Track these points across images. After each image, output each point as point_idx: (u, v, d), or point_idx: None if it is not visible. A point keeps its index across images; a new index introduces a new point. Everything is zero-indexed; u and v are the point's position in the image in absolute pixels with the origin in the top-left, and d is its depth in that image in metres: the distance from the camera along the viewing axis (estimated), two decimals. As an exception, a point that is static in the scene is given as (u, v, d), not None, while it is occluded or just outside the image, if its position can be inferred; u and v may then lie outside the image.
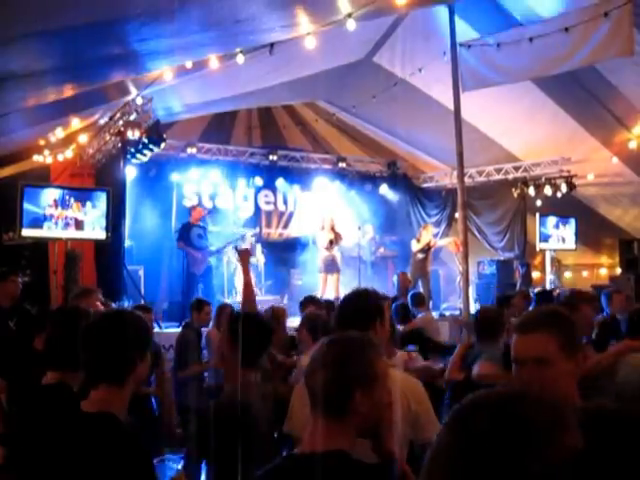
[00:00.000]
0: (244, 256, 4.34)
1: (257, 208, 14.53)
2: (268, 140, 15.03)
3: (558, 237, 13.87)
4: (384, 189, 15.55)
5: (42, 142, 10.72)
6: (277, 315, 5.71)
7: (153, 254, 11.93)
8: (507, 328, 4.50)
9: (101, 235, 10.02)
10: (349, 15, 7.32)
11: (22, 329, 5.38)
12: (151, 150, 10.78)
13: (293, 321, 7.47)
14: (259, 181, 14.35)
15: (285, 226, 14.92)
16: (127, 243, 11.15)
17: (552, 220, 13.81)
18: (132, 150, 10.71)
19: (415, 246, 12.61)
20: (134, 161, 11.15)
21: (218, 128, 14.24)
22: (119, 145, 10.86)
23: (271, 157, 14.19)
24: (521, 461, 0.90)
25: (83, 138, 11.13)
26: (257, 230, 14.17)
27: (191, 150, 13.21)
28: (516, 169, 13.63)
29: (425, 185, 15.98)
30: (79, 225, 9.78)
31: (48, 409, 2.51)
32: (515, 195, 13.69)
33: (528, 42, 8.17)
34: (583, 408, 1.01)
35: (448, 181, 14.86)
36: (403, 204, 15.90)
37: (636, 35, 7.30)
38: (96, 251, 11.13)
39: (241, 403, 2.84)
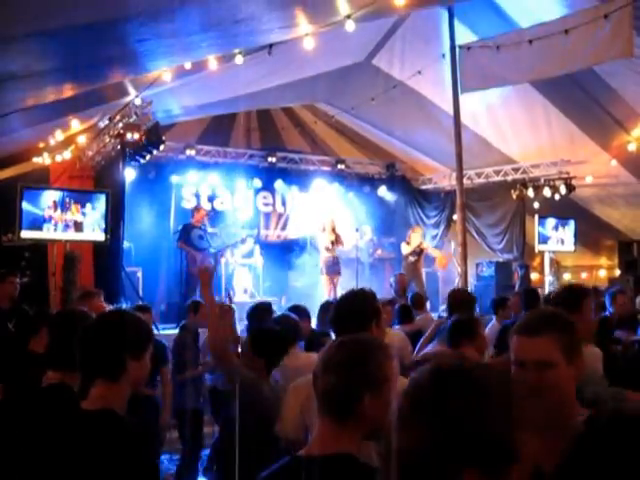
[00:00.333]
0: (204, 276, 3.99)
1: (256, 210, 14.52)
2: (267, 142, 15.03)
3: (557, 239, 13.88)
4: (383, 191, 15.54)
5: (42, 144, 10.71)
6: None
7: (152, 256, 11.92)
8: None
9: (100, 237, 10.03)
10: (348, 16, 7.33)
11: (21, 330, 5.36)
12: (150, 152, 10.78)
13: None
14: (258, 183, 14.33)
15: (283, 228, 14.91)
16: (126, 245, 11.14)
17: (551, 222, 13.81)
18: (131, 152, 10.71)
19: (405, 249, 12.62)
20: (133, 163, 11.15)
21: (217, 130, 14.24)
22: (118, 147, 10.85)
23: (270, 159, 14.18)
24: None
25: (82, 140, 11.12)
26: (256, 232, 14.17)
27: (190, 152, 13.20)
28: (515, 171, 13.63)
29: (424, 187, 15.98)
30: (78, 227, 9.78)
31: (49, 409, 2.51)
32: (514, 197, 13.68)
33: (527, 44, 8.18)
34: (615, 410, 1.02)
35: (447, 183, 14.86)
36: (402, 206, 15.90)
37: (635, 38, 7.30)
38: (95, 253, 11.12)
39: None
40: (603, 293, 8.99)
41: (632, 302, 6.59)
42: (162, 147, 10.88)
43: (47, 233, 9.55)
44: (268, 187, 14.59)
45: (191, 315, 6.88)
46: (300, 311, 5.42)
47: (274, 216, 14.89)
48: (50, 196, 9.68)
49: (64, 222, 9.66)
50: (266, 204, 14.74)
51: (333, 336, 2.97)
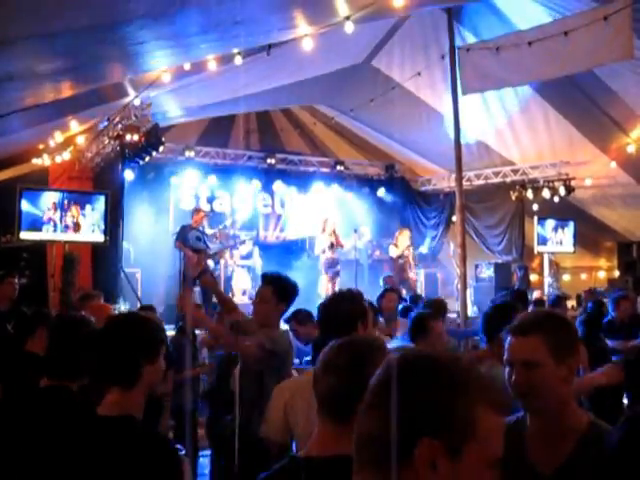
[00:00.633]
0: (199, 259, 4.10)
1: (255, 211, 14.52)
2: (266, 143, 15.03)
3: (556, 240, 13.89)
4: (382, 192, 15.54)
5: (41, 145, 10.71)
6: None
7: (150, 257, 11.89)
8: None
9: (99, 238, 10.02)
10: (347, 18, 7.33)
11: (20, 332, 5.35)
12: (149, 153, 10.78)
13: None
14: (257, 184, 14.34)
15: (283, 229, 14.91)
16: (125, 246, 11.14)
17: (550, 223, 13.82)
18: (130, 153, 10.71)
19: (394, 251, 12.63)
20: (132, 164, 11.15)
21: (216, 131, 14.24)
22: (118, 148, 10.86)
23: (269, 160, 14.18)
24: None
25: (82, 141, 11.12)
26: (255, 233, 14.16)
27: (189, 153, 13.19)
28: (514, 172, 13.63)
29: (423, 188, 15.98)
30: (78, 228, 9.78)
31: (51, 410, 2.50)
32: (513, 198, 13.69)
33: (527, 46, 8.16)
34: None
35: (446, 184, 14.87)
36: (401, 207, 15.90)
37: (635, 40, 7.30)
38: (93, 254, 11.12)
39: None
40: (602, 294, 9.04)
41: (634, 304, 6.59)
42: (161, 148, 10.89)
43: (46, 234, 9.55)
44: (267, 188, 14.59)
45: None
46: (303, 316, 5.38)
47: (273, 217, 14.88)
48: (50, 197, 9.68)
49: (64, 223, 9.67)
50: (265, 205, 14.74)
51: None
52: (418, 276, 13.92)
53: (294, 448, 2.64)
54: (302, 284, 13.30)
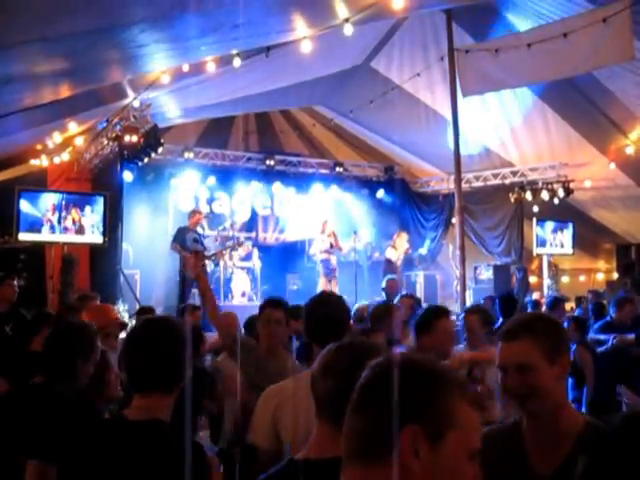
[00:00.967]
0: (196, 260, 4.11)
1: (254, 213, 14.52)
2: (265, 145, 15.03)
3: (555, 242, 13.89)
4: (381, 194, 15.54)
5: (39, 146, 10.70)
6: None
7: (150, 258, 11.89)
8: None
9: (98, 239, 10.02)
10: (346, 20, 7.33)
11: (18, 334, 5.35)
12: (148, 155, 10.77)
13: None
14: (256, 186, 14.34)
15: (282, 231, 14.91)
16: (124, 247, 11.12)
17: (549, 225, 13.82)
18: (129, 154, 10.70)
19: (393, 254, 12.63)
20: (131, 165, 11.14)
21: (215, 133, 14.24)
22: (116, 150, 10.85)
23: (268, 162, 14.17)
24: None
25: (80, 142, 11.11)
26: (254, 235, 14.16)
27: (188, 155, 13.19)
28: (513, 174, 13.64)
29: (422, 190, 15.99)
30: (80, 230, 9.79)
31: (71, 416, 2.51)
32: (512, 200, 13.69)
33: (526, 48, 8.17)
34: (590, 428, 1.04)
35: (445, 186, 14.87)
36: (400, 209, 15.90)
37: (635, 42, 7.30)
38: (92, 255, 11.11)
39: None
40: (602, 296, 9.00)
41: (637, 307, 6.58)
42: (160, 150, 10.87)
43: (45, 235, 9.54)
44: (266, 190, 14.59)
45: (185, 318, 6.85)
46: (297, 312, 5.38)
47: (272, 219, 14.88)
48: (49, 199, 9.67)
49: (62, 225, 9.66)
50: (264, 207, 14.73)
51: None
52: (417, 278, 13.94)
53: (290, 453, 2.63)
54: (301, 286, 13.33)
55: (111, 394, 3.04)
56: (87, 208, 9.92)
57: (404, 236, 12.99)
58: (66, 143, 10.83)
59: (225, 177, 13.85)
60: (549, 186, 13.05)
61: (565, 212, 13.68)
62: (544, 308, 9.23)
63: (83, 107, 9.05)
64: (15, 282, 6.82)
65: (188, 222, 11.18)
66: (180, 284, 10.82)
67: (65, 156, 11.17)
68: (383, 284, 8.22)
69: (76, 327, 3.09)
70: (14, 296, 6.61)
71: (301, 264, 13.41)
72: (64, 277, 9.50)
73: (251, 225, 14.38)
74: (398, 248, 12.66)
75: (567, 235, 13.96)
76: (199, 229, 11.54)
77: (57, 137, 10.32)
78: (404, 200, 15.93)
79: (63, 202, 9.75)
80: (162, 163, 12.84)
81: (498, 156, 13.35)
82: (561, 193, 12.87)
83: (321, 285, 12.03)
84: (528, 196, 13.36)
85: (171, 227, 12.53)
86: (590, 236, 14.40)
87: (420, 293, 12.77)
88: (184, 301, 9.51)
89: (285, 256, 13.82)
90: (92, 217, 9.92)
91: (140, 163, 11.10)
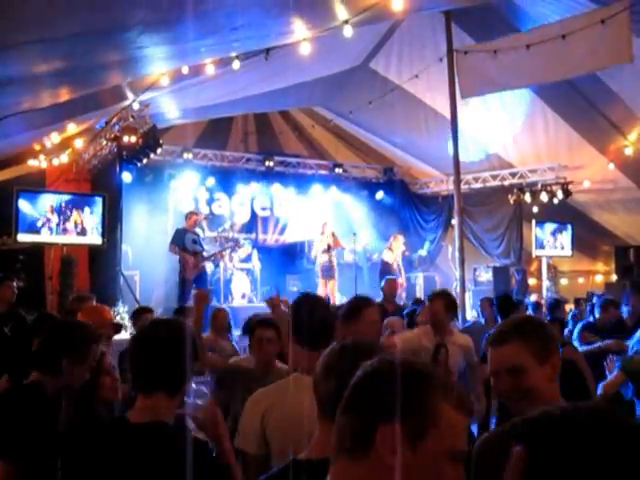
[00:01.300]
0: (200, 298, 4.15)
1: (253, 214, 14.51)
2: (264, 146, 15.02)
3: (554, 244, 13.89)
4: (380, 195, 15.55)
5: (38, 147, 10.69)
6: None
7: (149, 259, 11.88)
8: None
9: (97, 240, 10.00)
10: (346, 21, 7.33)
11: (17, 335, 5.35)
12: (147, 155, 10.76)
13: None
14: (255, 187, 14.34)
15: (281, 232, 14.90)
16: (123, 248, 11.11)
17: (548, 227, 13.82)
18: (128, 155, 10.69)
19: (389, 256, 12.64)
20: (130, 166, 11.13)
21: (214, 133, 14.23)
22: (115, 150, 10.84)
23: (267, 163, 14.17)
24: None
25: (79, 143, 11.10)
26: (253, 236, 14.15)
27: (187, 155, 13.18)
28: (512, 175, 13.65)
29: (421, 191, 15.99)
30: (82, 232, 9.79)
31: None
32: (511, 202, 13.70)
33: (525, 49, 8.18)
34: (526, 419, 1.07)
35: (444, 187, 14.88)
36: (399, 210, 15.90)
37: (635, 40, 7.31)
38: (92, 256, 11.10)
39: None
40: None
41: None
42: (159, 150, 10.86)
43: (44, 236, 9.52)
44: (265, 191, 14.59)
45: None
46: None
47: (272, 220, 14.88)
48: (48, 200, 9.66)
49: (62, 226, 9.65)
50: (264, 208, 14.73)
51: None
52: (417, 279, 13.94)
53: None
54: (301, 287, 13.33)
55: (105, 396, 3.01)
56: (86, 209, 9.90)
57: (400, 238, 13.01)
58: (65, 144, 10.82)
59: (224, 178, 13.85)
60: (548, 188, 13.06)
61: (564, 214, 13.68)
62: (544, 310, 9.24)
63: (82, 110, 9.05)
64: (14, 283, 6.81)
65: (185, 223, 11.18)
66: (180, 285, 10.82)
67: (64, 157, 11.16)
68: (382, 285, 8.24)
69: (66, 325, 3.10)
70: (13, 297, 6.61)
71: (301, 265, 13.42)
72: (63, 278, 9.49)
73: (251, 226, 14.37)
74: (394, 250, 12.69)
75: (566, 237, 13.96)
76: (199, 230, 11.54)
77: (55, 137, 10.31)
78: (403, 201, 15.94)
79: (62, 203, 9.73)
80: (161, 164, 12.84)
81: (497, 157, 13.36)
82: (560, 195, 12.88)
83: (321, 286, 12.04)
84: (527, 198, 13.37)
85: (170, 228, 12.50)
86: (589, 238, 14.40)
87: (419, 294, 12.77)
88: (184, 302, 9.50)
89: (285, 257, 13.83)
90: (91, 218, 9.91)
91: (139, 164, 11.10)
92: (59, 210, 9.65)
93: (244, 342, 5.81)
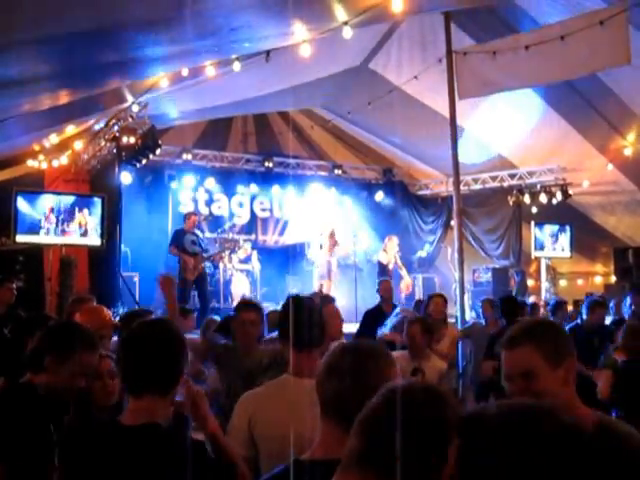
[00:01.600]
0: (166, 283, 4.05)
1: (253, 215, 14.52)
2: (263, 147, 15.02)
3: (553, 245, 13.90)
4: (380, 196, 15.55)
5: (37, 147, 10.68)
6: None
7: (149, 261, 11.86)
8: None
9: (96, 241, 9.99)
10: (345, 23, 7.33)
11: (17, 336, 5.33)
12: (146, 156, 10.76)
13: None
14: (255, 188, 14.34)
15: (281, 233, 14.90)
16: (122, 249, 11.10)
17: (547, 228, 13.83)
18: (127, 156, 10.69)
19: (384, 257, 12.66)
20: (129, 167, 11.12)
21: (214, 134, 14.22)
22: (114, 151, 10.83)
23: (267, 164, 14.18)
24: None
25: (78, 144, 11.09)
26: (253, 237, 14.15)
27: (186, 156, 13.19)
28: (511, 177, 13.65)
29: (421, 192, 15.99)
30: (85, 233, 9.80)
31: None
32: (510, 203, 13.71)
33: (524, 50, 8.17)
34: (465, 416, 1.13)
35: (444, 188, 14.88)
36: (399, 211, 15.90)
37: (634, 42, 7.30)
38: (90, 257, 11.09)
39: None
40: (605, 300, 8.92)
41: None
42: (158, 151, 10.85)
43: (43, 237, 9.51)
44: (265, 192, 14.60)
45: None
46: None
47: (271, 221, 14.88)
48: (47, 200, 9.65)
49: (61, 227, 9.64)
50: (263, 209, 14.74)
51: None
52: (416, 281, 13.94)
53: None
54: (302, 288, 13.29)
55: (98, 401, 2.97)
56: (84, 210, 9.90)
57: (394, 240, 13.02)
58: (64, 144, 10.82)
59: (224, 179, 13.86)
60: (547, 189, 13.07)
61: (563, 214, 13.69)
62: (542, 311, 9.24)
63: (82, 111, 9.05)
64: (14, 284, 6.81)
65: (185, 224, 11.18)
66: (180, 286, 10.80)
67: (63, 158, 11.16)
68: (377, 288, 8.28)
69: (55, 325, 3.11)
70: (12, 298, 6.61)
71: (301, 266, 13.41)
72: (62, 279, 9.48)
73: (250, 227, 14.38)
74: (388, 251, 12.70)
75: (565, 238, 13.97)
76: (198, 231, 11.53)
77: (54, 138, 10.31)
78: (403, 203, 15.93)
79: (64, 204, 9.72)
80: (160, 165, 12.84)
81: (498, 159, 13.35)
82: (559, 196, 12.88)
83: (317, 288, 12.05)
84: (526, 199, 13.38)
85: (170, 229, 12.51)
86: (588, 239, 14.40)
87: (419, 296, 12.76)
88: (184, 304, 9.48)
89: (285, 258, 13.82)
90: (90, 219, 9.90)
91: (138, 165, 11.10)
92: (58, 211, 9.64)
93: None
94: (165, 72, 8.29)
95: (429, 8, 8.77)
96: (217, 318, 6.25)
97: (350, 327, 7.43)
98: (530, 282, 14.41)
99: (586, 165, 12.37)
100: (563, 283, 15.15)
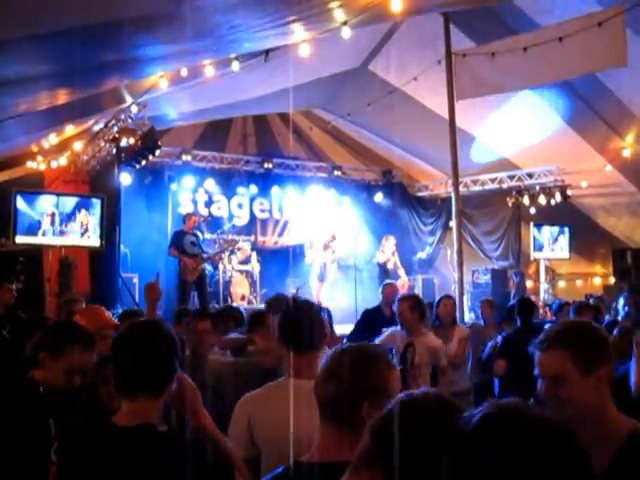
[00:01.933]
0: (150, 293, 3.62)
1: (252, 216, 14.51)
2: (263, 148, 15.02)
3: (552, 246, 13.91)
4: (379, 197, 15.55)
5: (36, 148, 10.68)
6: None
7: (148, 262, 11.83)
8: None
9: (96, 242, 9.99)
10: (344, 23, 7.34)
11: (16, 337, 5.33)
12: (146, 157, 10.75)
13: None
14: (254, 189, 14.34)
15: (280, 234, 14.90)
16: (122, 250, 11.09)
17: (546, 229, 13.84)
18: (127, 157, 10.68)
19: (381, 257, 12.66)
20: (129, 168, 11.12)
21: (213, 135, 14.22)
22: (114, 152, 10.83)
23: (266, 165, 14.18)
24: None
25: (77, 145, 11.09)
26: (252, 238, 14.14)
27: (186, 157, 13.19)
28: (511, 178, 13.66)
29: (420, 194, 15.99)
30: (76, 233, 9.79)
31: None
32: (510, 204, 13.71)
33: (522, 51, 8.20)
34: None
35: (443, 190, 14.89)
36: (398, 212, 15.91)
37: (633, 43, 7.32)
38: (90, 259, 11.08)
39: None
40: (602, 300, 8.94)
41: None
42: (158, 152, 10.85)
43: (42, 238, 9.51)
44: (264, 193, 14.60)
45: (175, 325, 6.80)
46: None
47: (271, 222, 14.88)
48: (46, 201, 9.65)
49: (60, 228, 9.64)
50: (262, 210, 14.73)
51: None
52: (416, 282, 13.94)
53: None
54: (301, 289, 13.22)
55: (106, 405, 2.98)
56: (83, 211, 9.89)
57: (391, 239, 13.02)
58: (63, 145, 10.82)
59: (223, 180, 13.86)
60: (546, 190, 13.07)
61: (562, 215, 13.70)
62: (541, 312, 9.24)
63: (81, 111, 9.04)
64: (13, 285, 6.82)
65: (184, 225, 11.18)
66: (180, 288, 10.81)
67: (62, 159, 11.16)
68: (380, 290, 8.26)
69: (52, 323, 3.15)
70: (12, 299, 6.62)
71: (301, 267, 13.41)
72: (62, 280, 9.48)
73: (250, 228, 14.37)
74: (385, 251, 12.70)
75: (564, 239, 13.98)
76: (198, 232, 11.53)
77: (54, 139, 10.31)
78: (402, 204, 15.94)
79: (61, 205, 9.72)
80: (160, 166, 12.84)
81: (496, 157, 13.36)
82: (558, 197, 12.89)
83: (314, 289, 12.07)
84: (525, 200, 13.38)
85: (170, 230, 12.50)
86: (587, 240, 14.40)
87: (418, 297, 12.76)
88: (184, 305, 9.48)
89: (284, 259, 13.82)
90: (90, 220, 9.91)
91: (137, 165, 11.09)
92: (59, 212, 9.64)
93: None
94: (164, 71, 8.28)
95: (428, 8, 8.77)
96: None
97: (350, 328, 7.44)
98: (529, 283, 14.42)
99: (585, 166, 12.37)
100: (562, 284, 15.16)
